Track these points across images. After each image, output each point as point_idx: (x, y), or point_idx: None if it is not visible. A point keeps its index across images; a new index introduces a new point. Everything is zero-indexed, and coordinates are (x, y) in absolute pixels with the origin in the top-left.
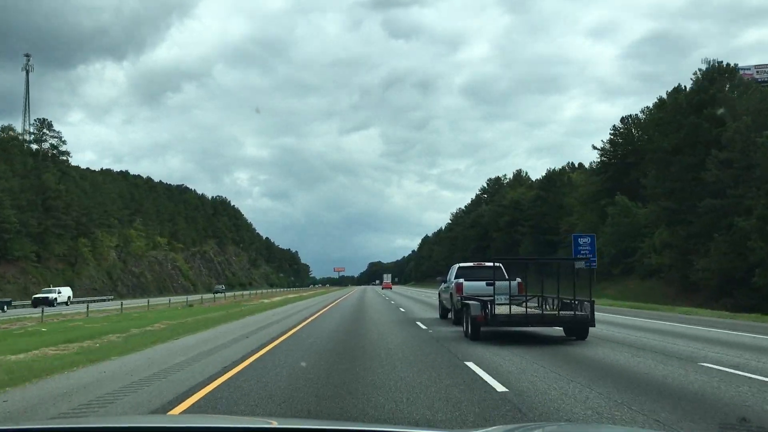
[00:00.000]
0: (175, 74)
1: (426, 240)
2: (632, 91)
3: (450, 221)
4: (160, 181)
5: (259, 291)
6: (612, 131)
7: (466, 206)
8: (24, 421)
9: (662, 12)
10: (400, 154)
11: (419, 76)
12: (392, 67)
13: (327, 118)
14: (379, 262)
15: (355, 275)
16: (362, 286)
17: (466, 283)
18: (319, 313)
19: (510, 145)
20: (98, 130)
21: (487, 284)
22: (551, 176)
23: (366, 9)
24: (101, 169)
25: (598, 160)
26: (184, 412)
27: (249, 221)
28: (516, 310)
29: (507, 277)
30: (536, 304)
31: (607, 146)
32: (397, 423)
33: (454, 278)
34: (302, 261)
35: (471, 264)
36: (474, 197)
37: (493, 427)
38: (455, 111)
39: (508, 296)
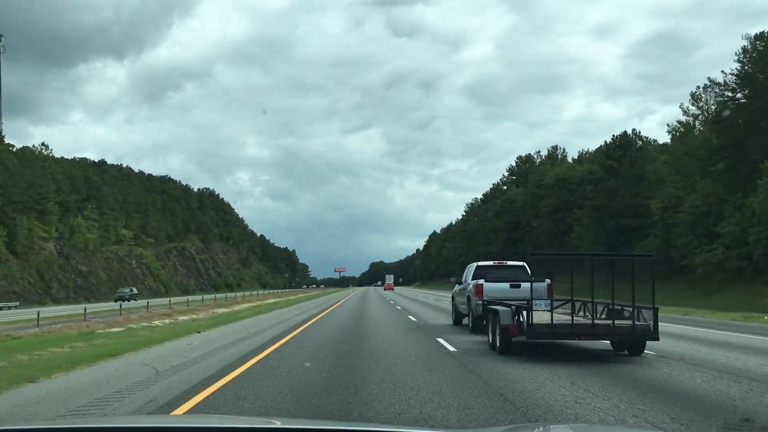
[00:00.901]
0: (176, 73)
1: (434, 237)
2: (635, 91)
3: (464, 213)
4: (140, 171)
5: (241, 294)
6: (740, 56)
7: (484, 194)
8: (22, 422)
9: (666, 11)
10: (402, 154)
11: (422, 75)
12: (395, 66)
13: (328, 118)
14: (381, 261)
15: (357, 275)
16: (364, 288)
17: (487, 285)
18: (301, 329)
19: (511, 145)
20: (98, 130)
21: (512, 286)
22: (624, 140)
23: (369, 7)
24: (75, 158)
25: (705, 107)
26: None
27: (241, 216)
28: (559, 318)
29: (532, 277)
30: (569, 311)
31: (732, 79)
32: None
33: (472, 279)
34: (301, 261)
35: (491, 263)
36: (496, 183)
37: (497, 428)
38: (457, 111)
39: (547, 301)
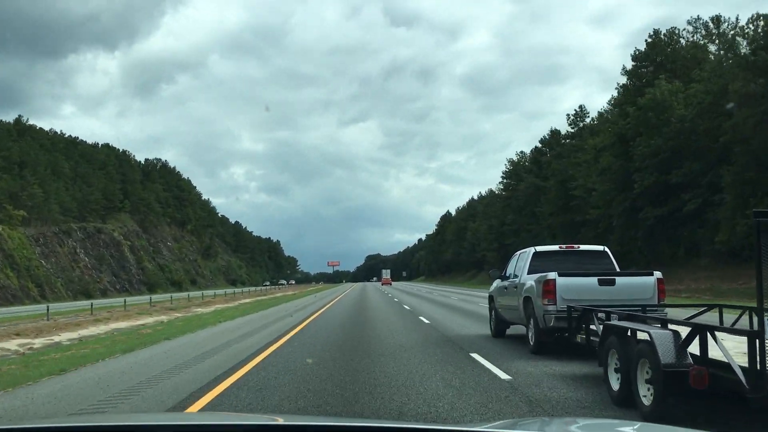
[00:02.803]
0: (169, 64)
1: (448, 219)
2: None
3: (503, 178)
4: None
5: (178, 296)
6: None
7: (533, 150)
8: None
9: None
10: (399, 146)
11: (420, 64)
12: (393, 55)
13: (325, 110)
14: (379, 254)
15: (351, 270)
16: (359, 284)
17: (563, 281)
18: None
19: (509, 136)
20: (91, 124)
21: (601, 282)
22: None
23: None
24: None
25: None
26: None
27: (204, 196)
28: None
29: (617, 267)
30: None
31: None
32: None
33: (529, 272)
34: (296, 255)
35: (555, 247)
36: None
37: (502, 421)
38: (456, 102)
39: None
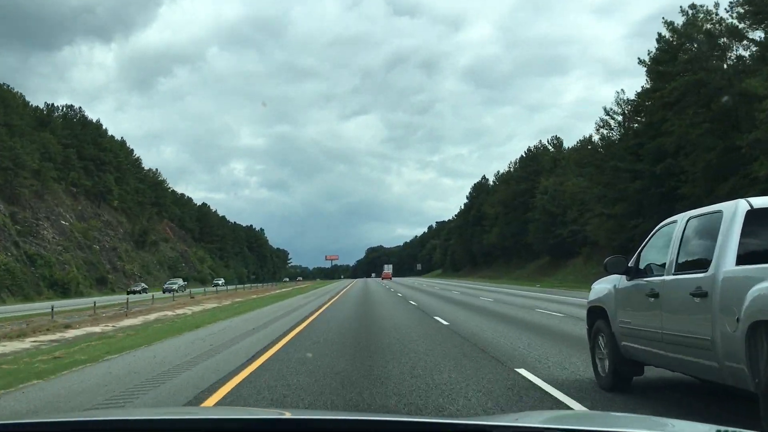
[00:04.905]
0: (167, 58)
1: (483, 189)
2: (638, 72)
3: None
4: None
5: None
6: None
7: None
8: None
9: None
10: (401, 140)
11: (423, 55)
12: (395, 47)
13: (326, 103)
14: (381, 246)
15: (351, 264)
16: (359, 282)
17: None
18: None
19: (513, 129)
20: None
21: None
22: None
23: None
24: None
25: None
26: None
27: (158, 173)
28: None
29: None
30: None
31: None
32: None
33: (737, 257)
34: (295, 251)
35: None
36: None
37: (507, 414)
38: (459, 95)
39: None
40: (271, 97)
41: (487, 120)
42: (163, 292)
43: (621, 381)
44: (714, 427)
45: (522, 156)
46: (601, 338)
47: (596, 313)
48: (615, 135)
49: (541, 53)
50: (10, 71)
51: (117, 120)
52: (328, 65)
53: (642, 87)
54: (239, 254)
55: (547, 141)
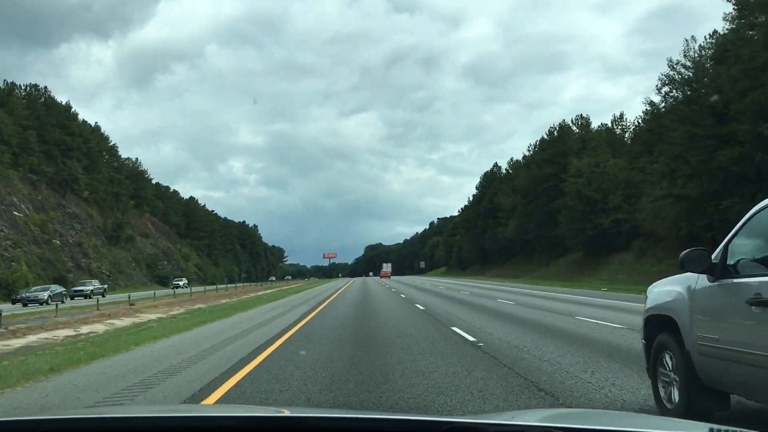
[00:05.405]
0: (165, 55)
1: (494, 178)
2: (638, 70)
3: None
4: None
5: None
6: None
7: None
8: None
9: None
10: (401, 137)
11: (423, 52)
12: (395, 43)
13: (325, 101)
14: (380, 243)
15: (350, 262)
16: (357, 280)
17: None
18: None
19: (512, 127)
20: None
21: None
22: None
23: None
24: None
25: None
26: None
27: (138, 162)
28: None
29: None
30: None
31: None
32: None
33: None
34: (293, 249)
35: None
36: None
37: (503, 412)
38: (458, 92)
39: None
40: (270, 94)
41: (486, 117)
42: (71, 298)
43: (696, 415)
44: (710, 426)
45: (543, 137)
46: (667, 357)
47: (659, 324)
48: (679, 95)
49: (540, 51)
50: (7, 68)
51: (115, 118)
52: (327, 62)
53: (724, 28)
54: (230, 251)
55: (571, 121)
